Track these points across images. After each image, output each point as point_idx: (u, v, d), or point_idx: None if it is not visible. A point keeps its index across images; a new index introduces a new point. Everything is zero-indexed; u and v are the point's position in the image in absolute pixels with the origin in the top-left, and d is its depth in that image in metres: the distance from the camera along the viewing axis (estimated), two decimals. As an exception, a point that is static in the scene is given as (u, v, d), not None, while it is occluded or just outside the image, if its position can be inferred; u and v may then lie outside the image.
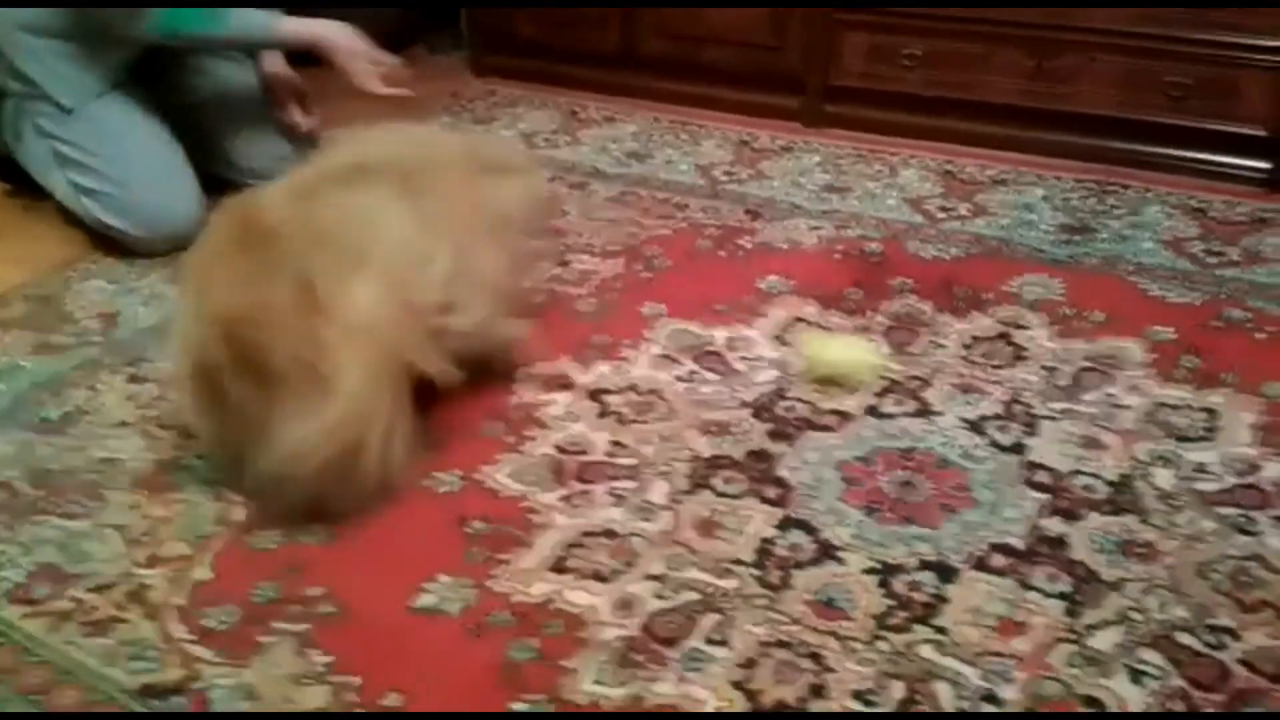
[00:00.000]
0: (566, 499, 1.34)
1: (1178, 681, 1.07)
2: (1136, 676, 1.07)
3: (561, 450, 1.43)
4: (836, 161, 2.24)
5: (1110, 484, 1.33)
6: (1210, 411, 1.44)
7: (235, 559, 1.27)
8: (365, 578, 1.24)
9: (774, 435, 1.44)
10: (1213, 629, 1.12)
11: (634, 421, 1.48)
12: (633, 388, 1.55)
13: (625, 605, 1.18)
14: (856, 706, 1.06)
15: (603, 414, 1.49)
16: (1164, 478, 1.33)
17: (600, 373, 1.58)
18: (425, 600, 1.20)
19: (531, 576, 1.22)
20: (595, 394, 1.53)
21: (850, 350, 1.56)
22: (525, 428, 1.47)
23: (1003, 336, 1.63)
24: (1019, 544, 1.24)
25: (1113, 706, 1.04)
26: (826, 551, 1.24)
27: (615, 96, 2.58)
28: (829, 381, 1.52)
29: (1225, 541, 1.23)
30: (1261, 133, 2.02)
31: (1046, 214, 1.99)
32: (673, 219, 2.02)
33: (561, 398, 1.53)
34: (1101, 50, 2.09)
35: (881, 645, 1.12)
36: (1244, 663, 1.08)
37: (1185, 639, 1.11)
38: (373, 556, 1.27)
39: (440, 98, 2.59)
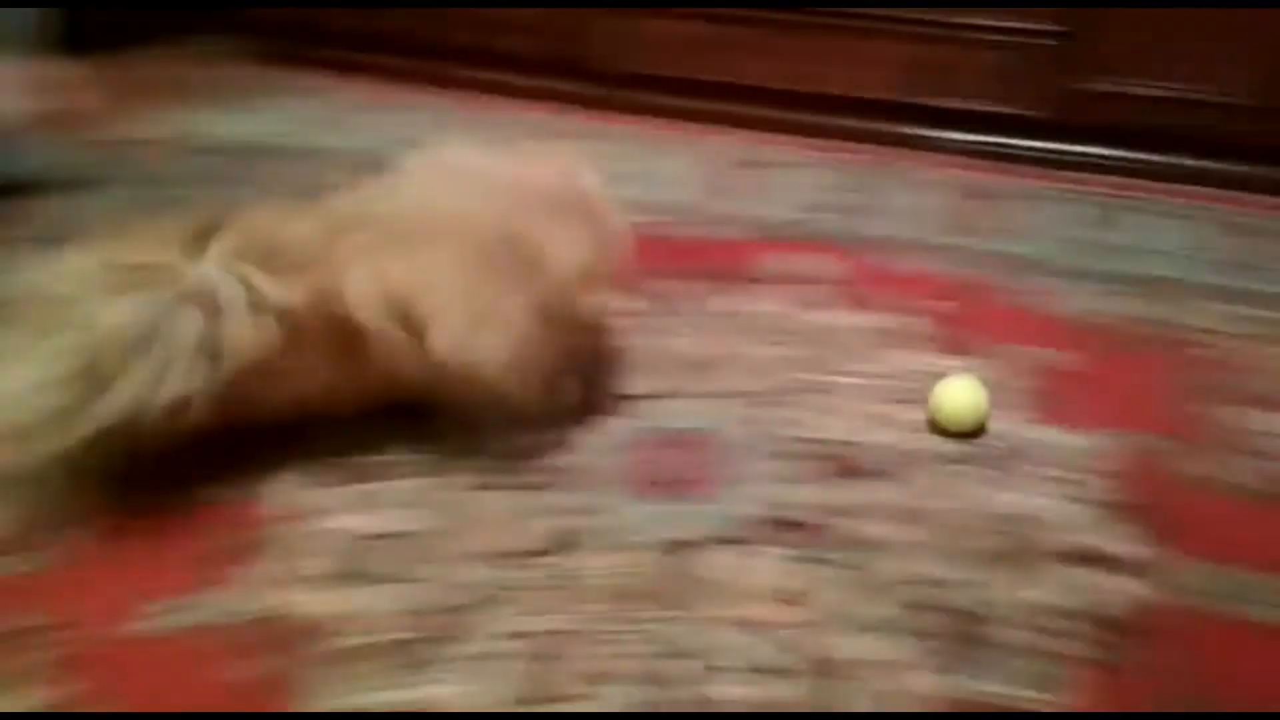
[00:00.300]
0: (348, 499, 1.30)
1: (944, 640, 1.12)
2: (906, 636, 1.12)
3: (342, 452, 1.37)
4: (634, 148, 2.25)
5: (878, 449, 1.38)
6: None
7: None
8: (88, 599, 1.15)
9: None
10: (974, 585, 1.18)
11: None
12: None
13: (409, 607, 1.16)
14: (636, 686, 1.07)
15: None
16: (929, 440, 1.40)
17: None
18: (186, 616, 1.14)
19: (308, 585, 1.18)
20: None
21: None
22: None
23: (783, 313, 1.67)
24: (798, 516, 1.28)
25: (885, 666, 1.09)
26: (608, 535, 1.24)
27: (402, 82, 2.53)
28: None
29: (979, 499, 1.31)
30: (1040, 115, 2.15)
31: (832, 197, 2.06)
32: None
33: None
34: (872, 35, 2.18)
35: (667, 626, 1.13)
36: (1006, 617, 1.15)
37: (950, 597, 1.17)
38: (99, 575, 1.18)
39: (216, 86, 2.46)
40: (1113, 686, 1.06)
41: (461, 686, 1.07)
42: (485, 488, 1.32)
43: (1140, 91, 2.04)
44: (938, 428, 1.41)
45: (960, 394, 1.40)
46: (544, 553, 1.22)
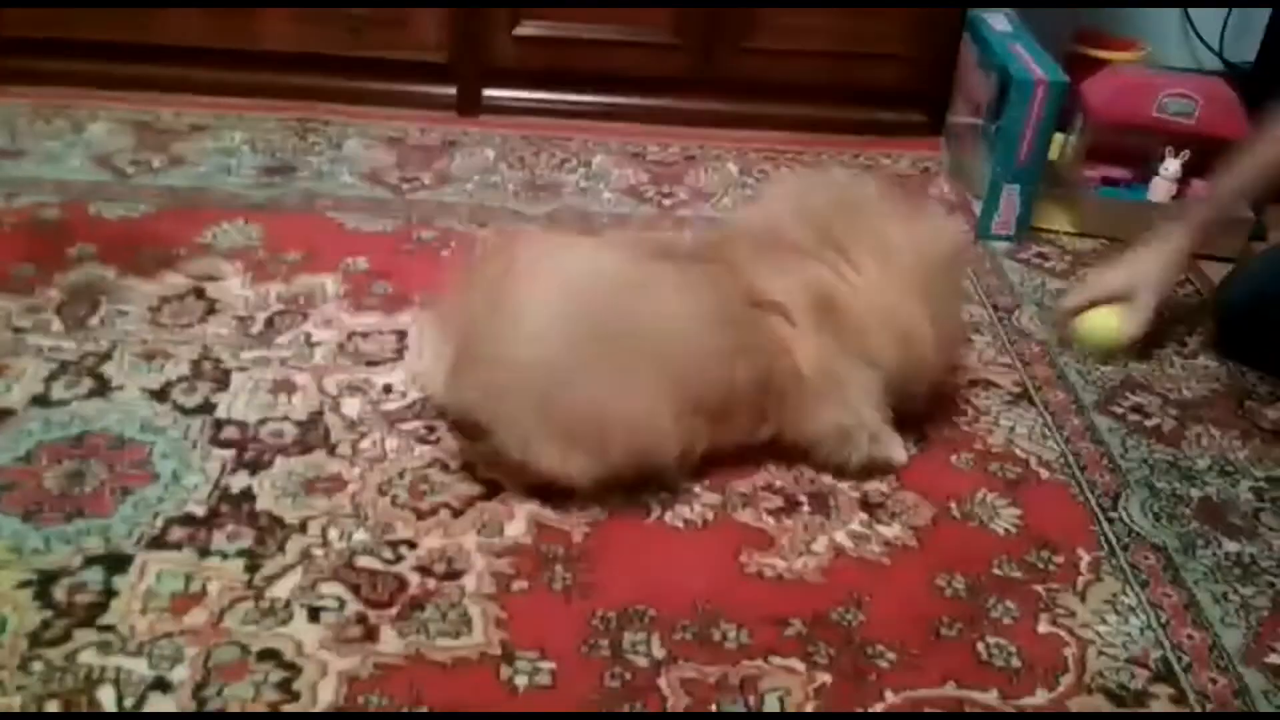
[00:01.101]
0: None
1: (356, 606, 1.07)
2: (314, 614, 1.06)
3: None
4: (9, 122, 1.95)
5: (299, 424, 1.31)
6: (400, 333, 1.49)
7: None
8: None
9: (-89, 454, 1.20)
10: (391, 544, 1.15)
11: None
12: None
13: None
14: (2, 747, 0.91)
15: None
16: (352, 407, 1.34)
17: None
18: None
19: None
20: None
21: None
22: None
23: (194, 292, 1.53)
24: (200, 510, 1.17)
25: (290, 652, 1.02)
26: (-29, 574, 1.06)
27: None
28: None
29: (407, 456, 1.27)
30: (440, 60, 2.13)
31: (247, 158, 1.92)
32: None
33: None
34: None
35: (36, 665, 0.98)
36: (419, 568, 1.12)
37: (365, 561, 1.13)
38: None
39: None
40: (543, 613, 1.07)
41: None
42: None
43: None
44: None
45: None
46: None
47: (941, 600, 1.14)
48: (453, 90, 2.15)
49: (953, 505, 1.26)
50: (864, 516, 1.24)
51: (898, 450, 1.31)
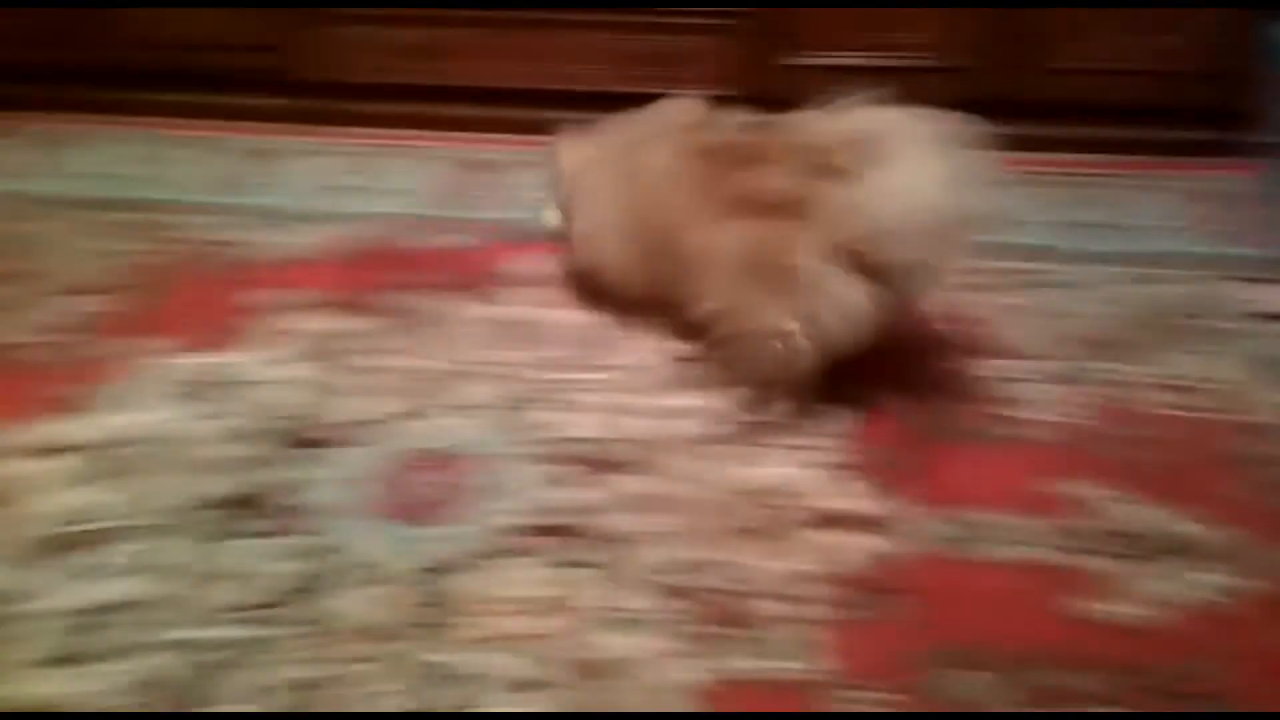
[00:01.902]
0: (63, 577, 1.18)
1: (696, 626, 1.12)
2: (657, 627, 1.12)
3: (53, 522, 1.25)
4: (354, 161, 2.16)
5: (629, 444, 1.37)
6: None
7: None
8: None
9: (296, 460, 1.35)
10: (727, 565, 1.19)
11: (134, 474, 1.33)
12: (128, 438, 1.39)
13: (144, 683, 1.06)
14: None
15: (96, 473, 1.33)
16: (676, 428, 1.40)
17: (87, 426, 1.41)
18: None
19: (24, 676, 1.07)
20: (84, 451, 1.37)
21: None
22: (2, 505, 1.28)
23: (517, 318, 1.63)
24: (547, 522, 1.25)
25: (642, 661, 1.08)
26: (357, 571, 1.19)
27: (110, 115, 2.34)
28: None
29: (729, 479, 1.32)
30: (730, 92, 2.19)
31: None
32: (177, 242, 1.86)
33: (45, 464, 1.35)
34: (581, 28, 2.17)
35: (419, 656, 1.09)
36: (759, 592, 1.16)
37: (703, 579, 1.17)
38: None
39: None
40: (868, 644, 1.09)
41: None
42: (212, 539, 1.23)
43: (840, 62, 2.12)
44: None
45: None
46: (285, 601, 1.15)
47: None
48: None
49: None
50: (1213, 564, 1.18)
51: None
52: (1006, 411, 1.41)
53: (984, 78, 2.09)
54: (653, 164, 1.51)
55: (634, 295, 1.55)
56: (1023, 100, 2.11)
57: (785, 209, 1.34)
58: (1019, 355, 1.52)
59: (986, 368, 1.50)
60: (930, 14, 2.06)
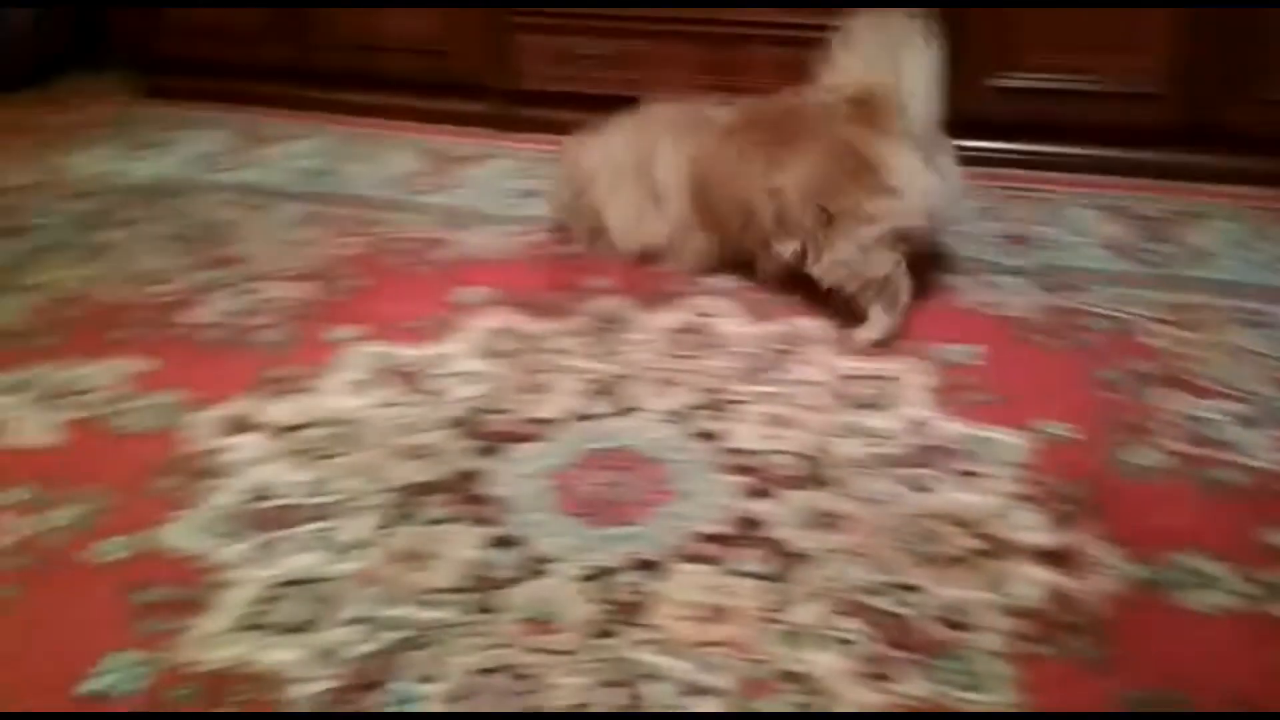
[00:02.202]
0: (255, 549, 1.24)
1: (877, 646, 1.10)
2: (838, 645, 1.10)
3: (248, 497, 1.32)
4: (530, 165, 2.22)
5: (801, 459, 1.37)
6: (889, 379, 1.52)
7: None
8: (24, 668, 1.09)
9: (481, 452, 1.40)
10: (904, 588, 1.17)
11: (327, 456, 1.39)
12: (324, 420, 1.46)
13: (324, 655, 1.10)
14: (574, 722, 1.03)
15: (293, 451, 1.40)
16: (847, 447, 1.39)
17: (287, 407, 1.48)
18: (94, 684, 1.07)
19: (216, 641, 1.12)
20: (283, 430, 1.44)
21: None
22: (204, 478, 1.35)
23: (696, 327, 1.65)
24: (720, 530, 1.26)
25: (820, 679, 1.07)
26: (537, 565, 1.21)
27: (295, 111, 2.46)
28: None
29: (907, 501, 1.29)
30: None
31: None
32: (364, 235, 1.94)
33: (245, 439, 1.42)
34: (764, 42, 2.18)
35: (594, 653, 1.10)
36: (934, 616, 1.14)
37: (880, 601, 1.16)
38: (26, 643, 1.12)
39: (99, 124, 2.37)
40: (1053, 681, 1.05)
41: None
42: (398, 522, 1.27)
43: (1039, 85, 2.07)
44: None
45: None
46: (470, 588, 1.18)
47: None
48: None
49: None
50: None
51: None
52: (1208, 452, 1.34)
53: (1194, 106, 2.01)
54: (694, 150, 1.74)
55: (711, 262, 1.78)
56: (1220, 132, 2.02)
57: (834, 144, 1.57)
58: (1221, 394, 1.44)
59: (1186, 404, 1.43)
60: (1142, 37, 1.99)
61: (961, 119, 2.11)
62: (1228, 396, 1.44)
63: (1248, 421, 1.40)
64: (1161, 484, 1.30)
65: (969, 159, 2.13)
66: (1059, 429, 1.40)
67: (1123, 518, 1.25)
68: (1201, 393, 1.45)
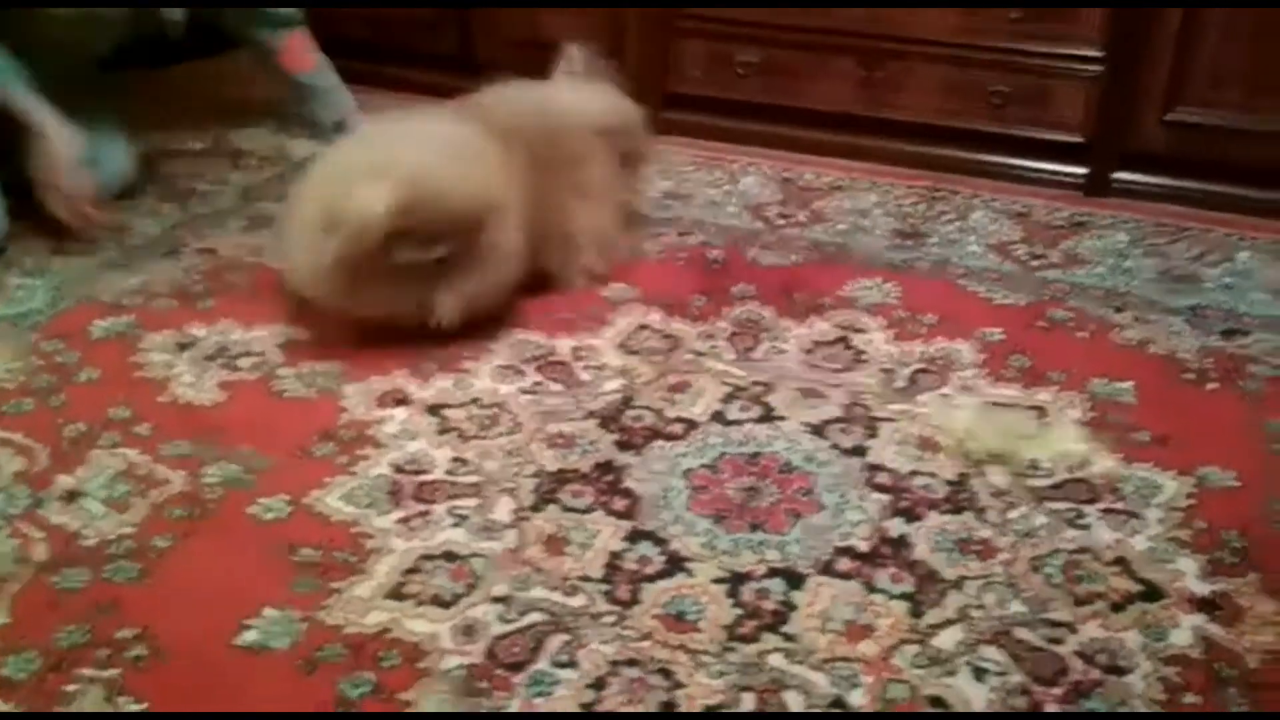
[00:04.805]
0: (404, 521, 1.28)
1: (1018, 677, 1.08)
2: (979, 674, 1.08)
3: (398, 469, 1.36)
4: (677, 169, 2.23)
5: (947, 483, 1.35)
6: (1039, 409, 1.49)
7: (36, 601, 1.16)
8: (182, 615, 1.14)
9: (621, 445, 1.41)
10: (1050, 623, 1.15)
11: (475, 437, 1.43)
12: (474, 401, 1.50)
13: (467, 631, 1.13)
14: (708, 722, 1.04)
15: (442, 429, 1.44)
16: (998, 475, 1.36)
17: (439, 386, 1.52)
18: (250, 636, 1.12)
19: (366, 606, 1.16)
20: (434, 409, 1.48)
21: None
22: (358, 447, 1.40)
23: (841, 340, 1.65)
24: (863, 546, 1.25)
25: (957, 705, 1.05)
26: (675, 563, 1.22)
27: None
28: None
29: (1057, 536, 1.27)
30: (1078, 139, 2.11)
31: (880, 220, 2.03)
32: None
33: (398, 413, 1.46)
34: (924, 60, 2.15)
35: (731, 656, 1.10)
36: (1080, 654, 1.11)
37: (1023, 634, 1.13)
38: (190, 592, 1.18)
39: (270, 100, 2.46)
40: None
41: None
42: (538, 508, 1.29)
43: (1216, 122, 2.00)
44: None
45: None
46: (606, 579, 1.19)
47: None
48: (1084, 170, 2.12)
49: None
50: None
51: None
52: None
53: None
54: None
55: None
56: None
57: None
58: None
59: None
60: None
61: (1130, 152, 2.07)
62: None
63: None
64: (1329, 542, 1.25)
65: (1135, 192, 2.09)
66: (1217, 473, 1.35)
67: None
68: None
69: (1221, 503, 1.31)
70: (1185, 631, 1.13)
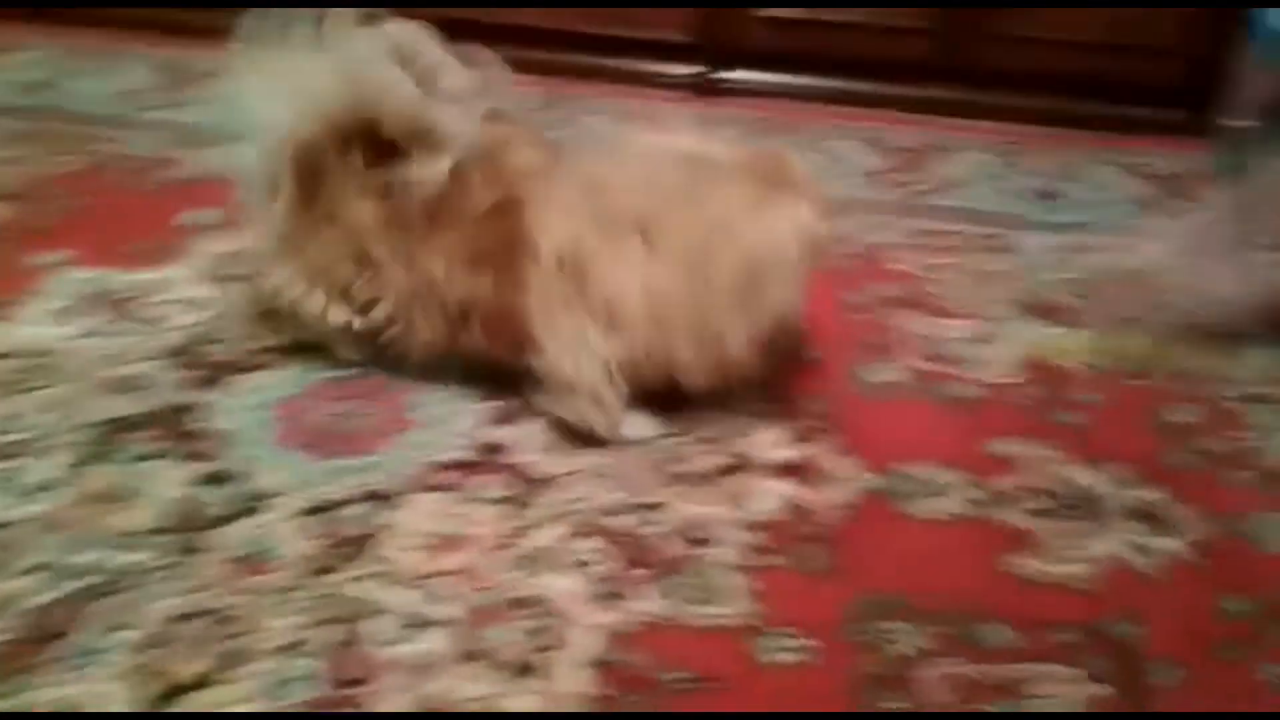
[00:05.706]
0: (-76, 494, 1.09)
1: (612, 564, 1.07)
2: (573, 567, 1.07)
3: (-81, 435, 1.17)
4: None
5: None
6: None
7: None
8: None
9: (199, 383, 1.28)
10: (643, 507, 1.15)
11: (20, 391, 1.25)
12: (18, 352, 1.31)
13: (1, 607, 0.98)
14: (277, 661, 0.95)
15: (-18, 386, 1.25)
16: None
17: (-22, 337, 1.32)
18: None
19: None
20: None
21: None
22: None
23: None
24: (464, 456, 1.20)
25: (553, 599, 1.03)
26: (253, 501, 1.12)
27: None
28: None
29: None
30: (686, 40, 2.13)
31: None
32: (84, 154, 1.76)
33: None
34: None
35: (314, 591, 1.02)
36: (671, 533, 1.11)
37: (618, 522, 1.12)
38: None
39: None
40: (787, 591, 1.05)
41: (64, 690, 0.92)
42: (101, 460, 1.15)
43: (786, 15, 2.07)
44: None
45: None
46: (173, 529, 1.07)
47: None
48: (692, 70, 2.15)
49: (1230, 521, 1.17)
50: (1136, 525, 1.16)
51: (629, 426, 1.23)
52: (938, 368, 1.38)
53: (943, 43, 2.06)
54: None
55: None
56: (976, 68, 2.08)
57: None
58: (952, 314, 1.49)
59: (919, 324, 1.46)
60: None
61: (726, 51, 2.11)
62: (961, 316, 1.48)
63: (981, 339, 1.44)
64: (896, 399, 1.33)
65: (729, 89, 2.14)
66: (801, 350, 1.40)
67: (858, 432, 1.26)
68: (938, 313, 1.49)
69: (805, 375, 1.36)
70: (770, 498, 1.16)
